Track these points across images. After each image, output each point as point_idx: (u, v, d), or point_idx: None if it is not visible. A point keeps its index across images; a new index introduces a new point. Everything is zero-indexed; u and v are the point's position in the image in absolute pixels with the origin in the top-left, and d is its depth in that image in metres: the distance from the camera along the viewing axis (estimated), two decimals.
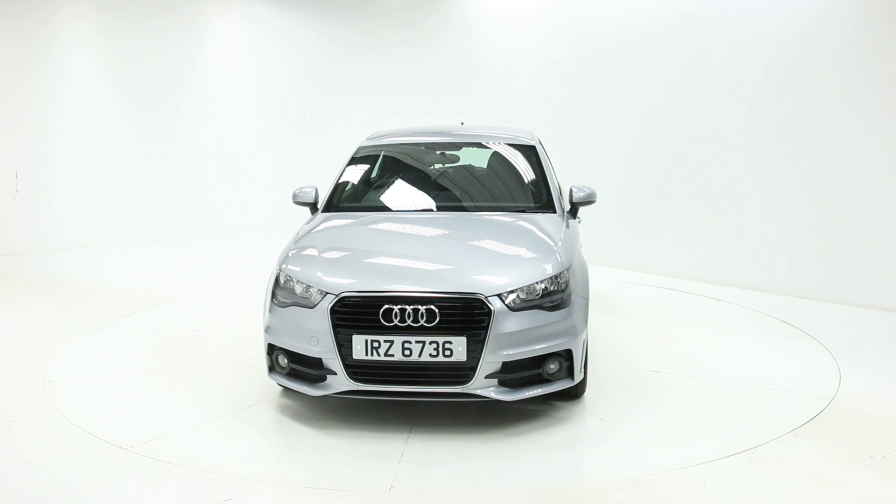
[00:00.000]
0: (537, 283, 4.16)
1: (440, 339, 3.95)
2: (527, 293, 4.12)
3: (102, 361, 5.44)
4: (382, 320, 3.98)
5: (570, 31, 9.21)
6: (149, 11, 10.37)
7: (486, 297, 3.99)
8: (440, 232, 4.87)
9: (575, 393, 4.55)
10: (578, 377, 4.29)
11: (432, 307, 3.96)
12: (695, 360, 5.39)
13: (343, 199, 5.44)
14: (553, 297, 4.20)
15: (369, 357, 4.00)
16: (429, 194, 5.42)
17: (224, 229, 10.91)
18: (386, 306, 3.98)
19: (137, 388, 4.92)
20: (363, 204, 5.44)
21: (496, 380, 4.04)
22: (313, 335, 4.10)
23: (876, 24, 6.77)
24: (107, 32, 10.12)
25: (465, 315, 3.99)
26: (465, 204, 5.32)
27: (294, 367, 4.29)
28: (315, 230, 4.87)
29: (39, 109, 9.68)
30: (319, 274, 4.24)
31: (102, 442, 4.06)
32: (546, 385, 4.19)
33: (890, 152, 6.74)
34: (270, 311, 4.40)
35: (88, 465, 3.81)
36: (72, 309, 6.90)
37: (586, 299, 4.49)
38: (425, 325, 3.96)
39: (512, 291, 4.07)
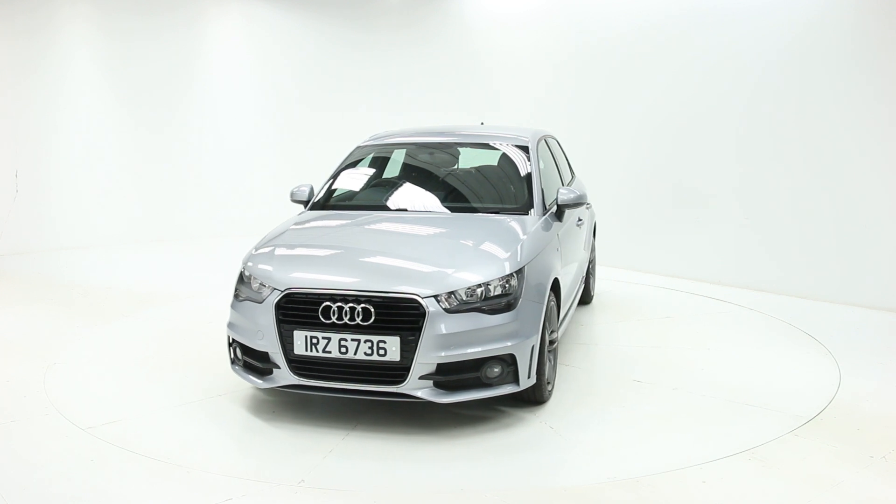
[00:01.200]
0: (478, 285, 4.10)
1: (374, 339, 3.97)
2: (467, 295, 4.07)
3: (102, 361, 5.44)
4: (322, 317, 4.04)
5: (570, 32, 9.21)
6: (149, 11, 10.38)
7: (422, 298, 3.97)
8: (403, 232, 4.86)
9: (535, 399, 4.47)
10: (526, 383, 4.20)
11: (368, 306, 3.99)
12: (692, 365, 5.37)
13: (327, 199, 5.49)
14: (497, 300, 4.13)
15: (309, 353, 4.07)
16: (408, 196, 5.41)
17: (224, 229, 10.91)
18: (325, 303, 4.03)
19: (136, 386, 4.92)
20: (347, 203, 5.46)
21: (431, 381, 4.01)
22: (260, 329, 4.19)
23: (875, 25, 6.78)
24: (107, 32, 10.12)
25: (400, 315, 3.99)
26: (441, 205, 5.23)
27: (246, 359, 4.41)
28: (287, 229, 4.95)
29: (39, 109, 9.68)
30: (271, 270, 4.34)
31: (103, 441, 4.06)
32: (486, 389, 4.12)
33: (889, 152, 6.74)
34: (232, 306, 4.52)
35: (88, 465, 3.81)
36: (72, 309, 6.90)
37: (541, 304, 4.34)
38: (361, 323, 3.99)
39: (451, 293, 4.03)
